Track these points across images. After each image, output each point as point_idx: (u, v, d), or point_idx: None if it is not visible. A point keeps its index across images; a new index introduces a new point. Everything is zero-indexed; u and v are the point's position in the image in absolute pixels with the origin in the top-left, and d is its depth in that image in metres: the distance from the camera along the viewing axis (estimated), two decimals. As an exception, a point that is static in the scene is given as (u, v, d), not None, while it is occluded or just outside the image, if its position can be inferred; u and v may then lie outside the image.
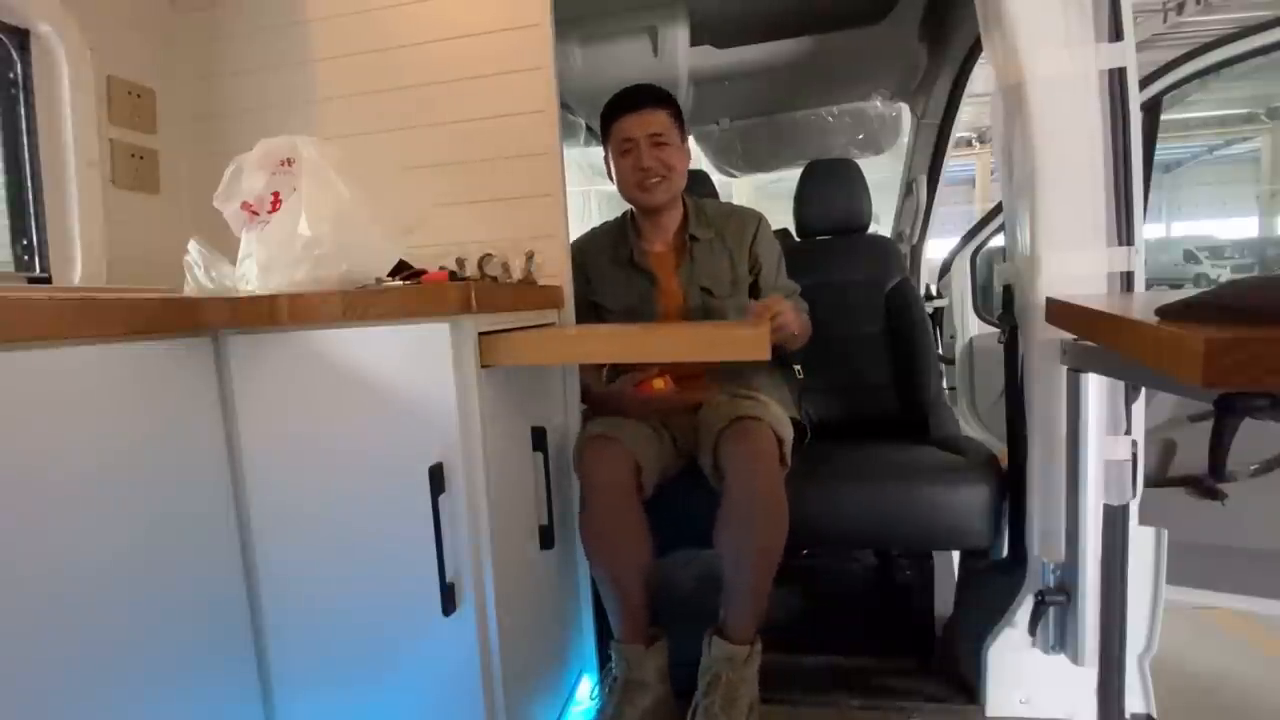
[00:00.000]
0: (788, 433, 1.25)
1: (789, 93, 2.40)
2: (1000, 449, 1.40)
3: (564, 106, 2.08)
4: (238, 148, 1.02)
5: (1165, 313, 0.58)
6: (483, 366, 0.98)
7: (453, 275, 1.07)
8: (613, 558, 1.22)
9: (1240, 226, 16.32)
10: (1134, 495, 1.10)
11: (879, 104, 2.44)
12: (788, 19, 1.91)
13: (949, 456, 1.42)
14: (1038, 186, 1.10)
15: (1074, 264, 1.10)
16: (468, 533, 0.96)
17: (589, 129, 2.44)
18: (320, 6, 1.38)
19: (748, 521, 1.15)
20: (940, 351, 2.34)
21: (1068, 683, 1.18)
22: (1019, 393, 1.24)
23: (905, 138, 2.52)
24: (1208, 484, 1.38)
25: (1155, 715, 1.17)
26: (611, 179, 1.49)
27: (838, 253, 1.97)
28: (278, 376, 0.97)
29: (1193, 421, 1.39)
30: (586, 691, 1.36)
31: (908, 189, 2.56)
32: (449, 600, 0.95)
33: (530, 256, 1.25)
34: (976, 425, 2.36)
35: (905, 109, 2.45)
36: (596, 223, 1.63)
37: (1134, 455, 1.08)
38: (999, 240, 2.30)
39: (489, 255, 1.17)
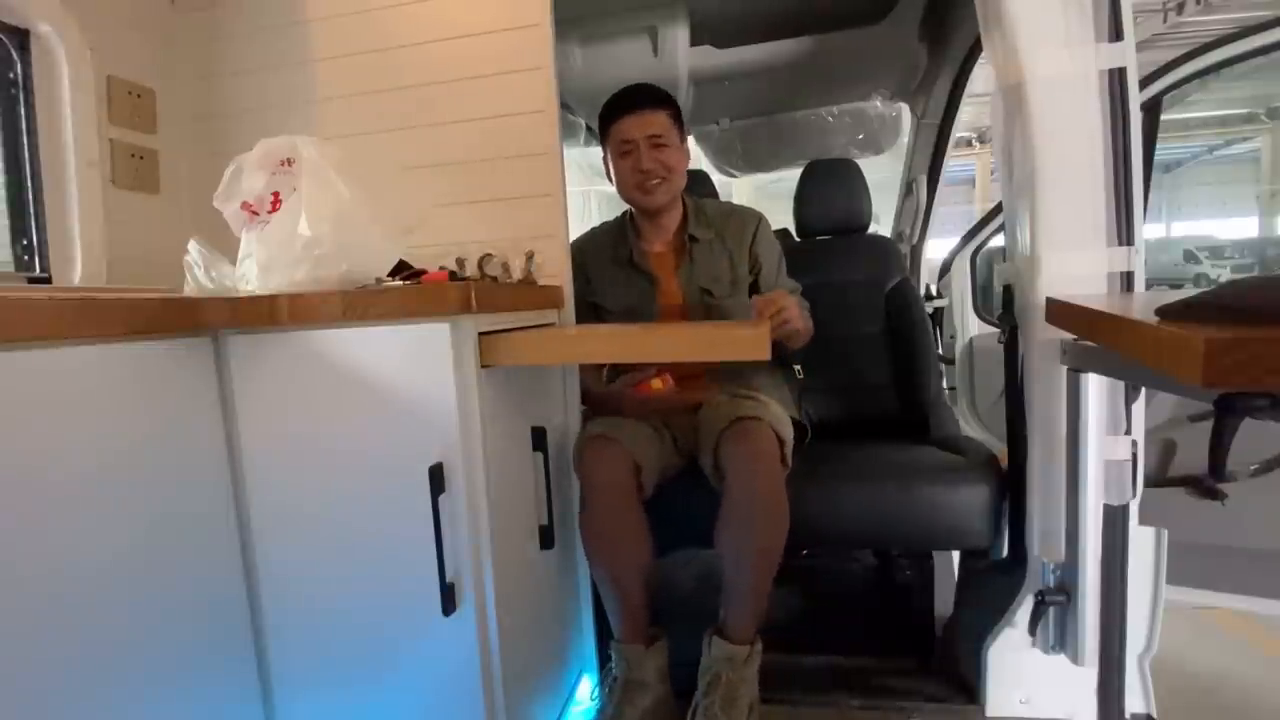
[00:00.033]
0: (788, 433, 1.25)
1: (789, 93, 2.39)
2: (1000, 449, 1.40)
3: (564, 106, 2.08)
4: (238, 148, 1.02)
5: (1165, 313, 0.58)
6: (483, 366, 0.97)
7: (453, 275, 1.07)
8: (613, 558, 1.22)
9: (1240, 226, 16.32)
10: (1134, 495, 1.10)
11: (879, 104, 2.44)
12: (787, 19, 1.91)
13: (949, 456, 1.42)
14: (1038, 186, 1.10)
15: (1074, 264, 1.09)
16: (468, 533, 0.96)
17: (589, 129, 2.44)
18: (320, 6, 1.38)
19: (748, 522, 1.15)
20: (940, 351, 2.34)
21: (1068, 683, 1.18)
22: (1019, 393, 1.24)
23: (905, 138, 2.52)
24: (1208, 484, 1.38)
25: (1155, 715, 1.17)
26: (610, 180, 1.49)
27: (838, 253, 1.97)
28: (278, 376, 0.97)
29: (1193, 421, 1.39)
30: (586, 691, 1.36)
31: (908, 189, 2.56)
32: (449, 600, 0.95)
33: (530, 256, 1.24)
34: (976, 425, 2.36)
35: (905, 109, 2.45)
36: (596, 223, 1.62)
37: (1134, 455, 1.08)
38: (999, 240, 2.30)
39: (489, 255, 1.17)
